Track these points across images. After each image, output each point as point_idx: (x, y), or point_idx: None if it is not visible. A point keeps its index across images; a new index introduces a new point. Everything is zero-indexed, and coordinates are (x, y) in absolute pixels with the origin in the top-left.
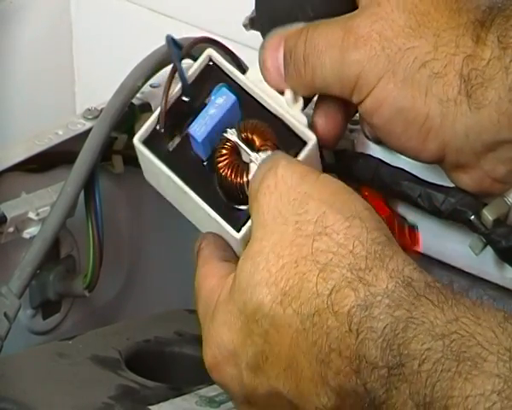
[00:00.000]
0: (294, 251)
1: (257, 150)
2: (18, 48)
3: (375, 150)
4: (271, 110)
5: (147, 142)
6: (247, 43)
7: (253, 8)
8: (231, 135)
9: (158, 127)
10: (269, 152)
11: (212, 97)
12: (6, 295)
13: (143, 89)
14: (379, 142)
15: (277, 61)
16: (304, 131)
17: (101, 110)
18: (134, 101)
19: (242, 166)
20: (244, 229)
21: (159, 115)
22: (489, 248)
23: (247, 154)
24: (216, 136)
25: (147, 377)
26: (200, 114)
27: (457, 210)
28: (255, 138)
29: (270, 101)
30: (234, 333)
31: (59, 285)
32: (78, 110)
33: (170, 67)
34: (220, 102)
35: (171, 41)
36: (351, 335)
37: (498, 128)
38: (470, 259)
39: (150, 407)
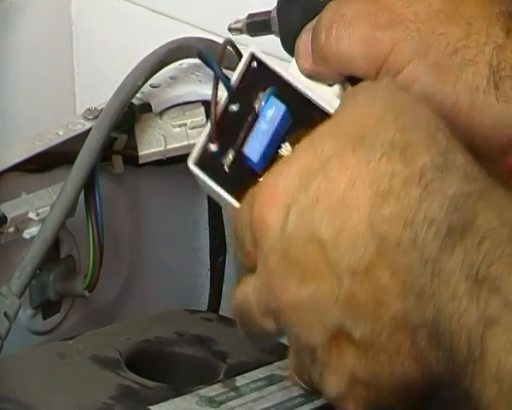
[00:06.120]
0: (376, 117)
1: None
2: (18, 48)
3: None
4: (319, 105)
5: (201, 162)
6: (247, 44)
7: (247, 14)
8: (286, 153)
9: (210, 145)
10: None
11: (262, 103)
12: (6, 294)
13: (143, 89)
14: None
15: (308, 44)
16: None
17: (101, 110)
18: (134, 101)
19: None
20: None
21: (209, 132)
22: None
23: None
24: (270, 148)
25: (147, 378)
26: (253, 131)
27: None
28: None
29: (318, 95)
30: (296, 168)
31: (59, 285)
32: (78, 110)
33: (170, 68)
34: (271, 114)
35: (204, 52)
36: (416, 188)
37: None
38: None
39: (150, 407)
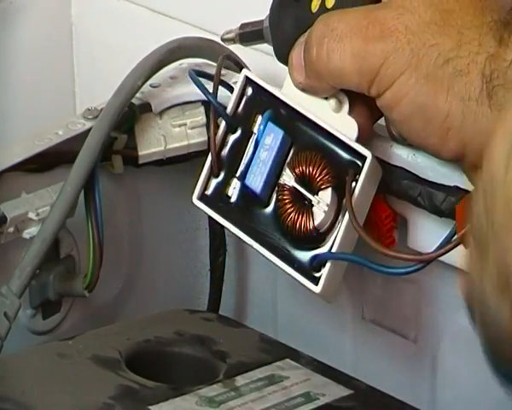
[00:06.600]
0: None
1: (317, 190)
2: (18, 48)
3: (375, 149)
4: (315, 122)
5: (205, 196)
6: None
7: (239, 23)
8: (288, 180)
9: (213, 178)
10: (329, 190)
11: (260, 129)
12: (6, 294)
13: (143, 89)
14: (405, 140)
15: (301, 58)
16: (357, 148)
17: (101, 110)
18: (134, 101)
19: (306, 211)
20: (322, 281)
21: (210, 165)
22: None
23: (308, 198)
24: (272, 176)
25: (147, 377)
26: (254, 160)
27: None
28: (311, 171)
29: (313, 112)
30: None
31: (59, 285)
32: (78, 110)
33: (170, 67)
34: (269, 141)
35: (197, 78)
36: None
37: None
38: None
39: (150, 407)
